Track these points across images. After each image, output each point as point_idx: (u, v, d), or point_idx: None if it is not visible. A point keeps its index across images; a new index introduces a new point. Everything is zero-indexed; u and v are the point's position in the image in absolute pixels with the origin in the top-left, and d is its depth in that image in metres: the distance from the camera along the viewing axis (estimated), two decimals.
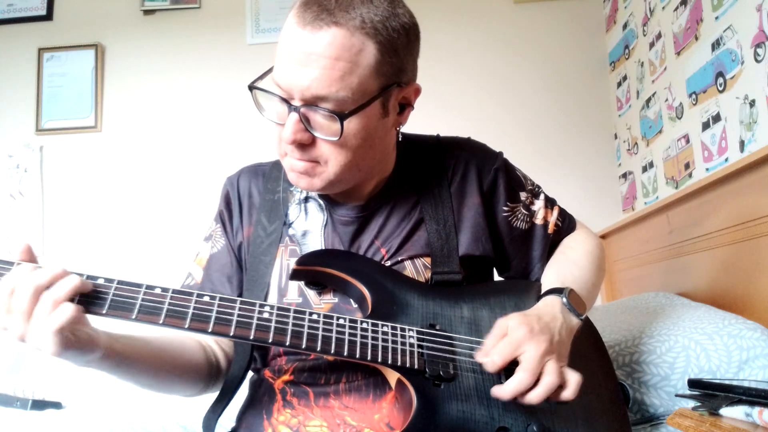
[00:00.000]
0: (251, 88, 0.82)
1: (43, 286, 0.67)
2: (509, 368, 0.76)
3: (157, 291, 0.72)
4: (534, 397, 0.74)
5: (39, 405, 1.49)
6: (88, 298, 0.70)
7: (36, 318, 0.66)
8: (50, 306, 0.66)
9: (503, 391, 0.74)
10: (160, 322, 0.71)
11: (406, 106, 0.87)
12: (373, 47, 0.77)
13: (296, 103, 0.78)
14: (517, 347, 0.76)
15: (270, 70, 0.82)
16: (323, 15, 0.75)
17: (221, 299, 0.74)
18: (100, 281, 0.71)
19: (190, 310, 0.72)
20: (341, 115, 0.76)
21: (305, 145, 0.80)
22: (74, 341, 0.69)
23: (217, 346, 0.96)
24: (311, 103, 0.77)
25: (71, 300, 0.68)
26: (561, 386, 0.76)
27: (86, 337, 0.71)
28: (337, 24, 0.75)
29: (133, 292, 0.71)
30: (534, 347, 0.75)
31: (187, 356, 0.90)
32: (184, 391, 0.92)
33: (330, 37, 0.74)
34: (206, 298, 0.73)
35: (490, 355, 0.76)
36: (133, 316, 0.70)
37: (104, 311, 0.70)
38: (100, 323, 0.74)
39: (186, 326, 0.72)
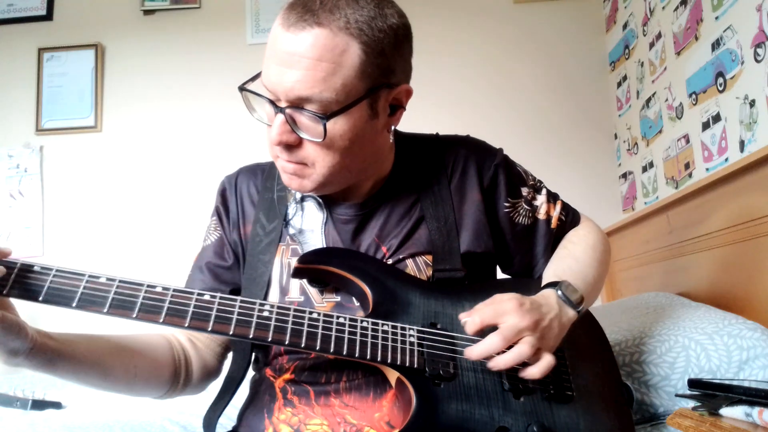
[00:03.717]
0: (241, 89, 0.82)
1: None
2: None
3: (159, 290, 0.72)
4: (500, 361, 0.75)
5: (39, 405, 1.49)
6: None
7: None
8: None
9: (472, 351, 0.76)
10: (161, 321, 0.71)
11: (397, 108, 0.86)
12: (357, 48, 0.76)
13: (282, 104, 0.78)
14: (500, 315, 0.77)
15: (260, 73, 0.82)
16: (307, 16, 0.75)
17: (222, 298, 0.74)
18: (104, 279, 0.72)
19: (191, 309, 0.72)
20: (324, 117, 0.76)
21: (292, 146, 0.81)
22: None
23: (193, 351, 0.95)
24: (296, 104, 0.77)
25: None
26: (530, 364, 0.77)
27: (13, 322, 0.68)
28: (320, 24, 0.74)
29: (135, 290, 0.72)
30: (516, 319, 0.76)
31: (150, 358, 0.88)
32: (143, 393, 0.90)
33: (312, 38, 0.74)
34: (207, 297, 0.74)
35: (472, 315, 0.77)
36: (134, 315, 0.71)
37: (104, 310, 0.70)
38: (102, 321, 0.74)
39: (186, 325, 0.72)
